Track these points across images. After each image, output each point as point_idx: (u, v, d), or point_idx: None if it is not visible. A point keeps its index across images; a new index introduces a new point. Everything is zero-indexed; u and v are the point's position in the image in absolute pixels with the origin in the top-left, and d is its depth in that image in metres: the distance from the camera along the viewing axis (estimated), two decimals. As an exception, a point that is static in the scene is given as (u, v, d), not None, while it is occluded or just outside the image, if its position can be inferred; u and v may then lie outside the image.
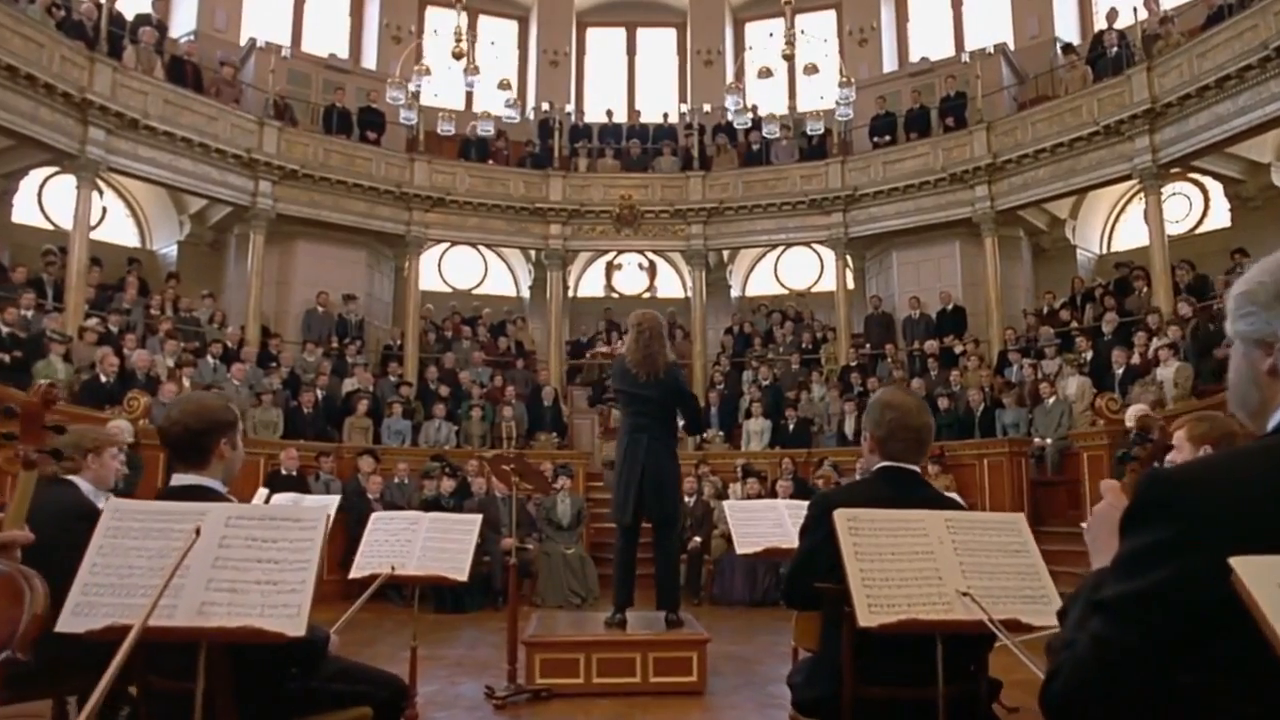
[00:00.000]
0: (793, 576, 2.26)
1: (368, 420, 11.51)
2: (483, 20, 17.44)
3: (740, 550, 3.63)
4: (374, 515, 3.60)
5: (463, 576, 3.31)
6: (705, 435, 12.70)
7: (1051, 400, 10.45)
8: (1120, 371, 10.24)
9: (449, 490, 8.70)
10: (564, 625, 4.99)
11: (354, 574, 3.32)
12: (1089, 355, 11.12)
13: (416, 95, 11.49)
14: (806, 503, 4.06)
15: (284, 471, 9.32)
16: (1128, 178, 12.07)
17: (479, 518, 3.54)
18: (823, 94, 14.12)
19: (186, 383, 10.56)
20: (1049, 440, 10.18)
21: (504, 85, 10.19)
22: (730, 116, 9.41)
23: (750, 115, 10.11)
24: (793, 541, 3.46)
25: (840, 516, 2.00)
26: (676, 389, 4.91)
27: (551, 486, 8.17)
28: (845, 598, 2.03)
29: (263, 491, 4.22)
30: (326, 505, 3.74)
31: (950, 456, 10.10)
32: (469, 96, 14.61)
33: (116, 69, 11.35)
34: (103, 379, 9.04)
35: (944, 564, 1.95)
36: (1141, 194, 14.05)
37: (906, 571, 1.92)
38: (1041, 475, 10.02)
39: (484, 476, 9.23)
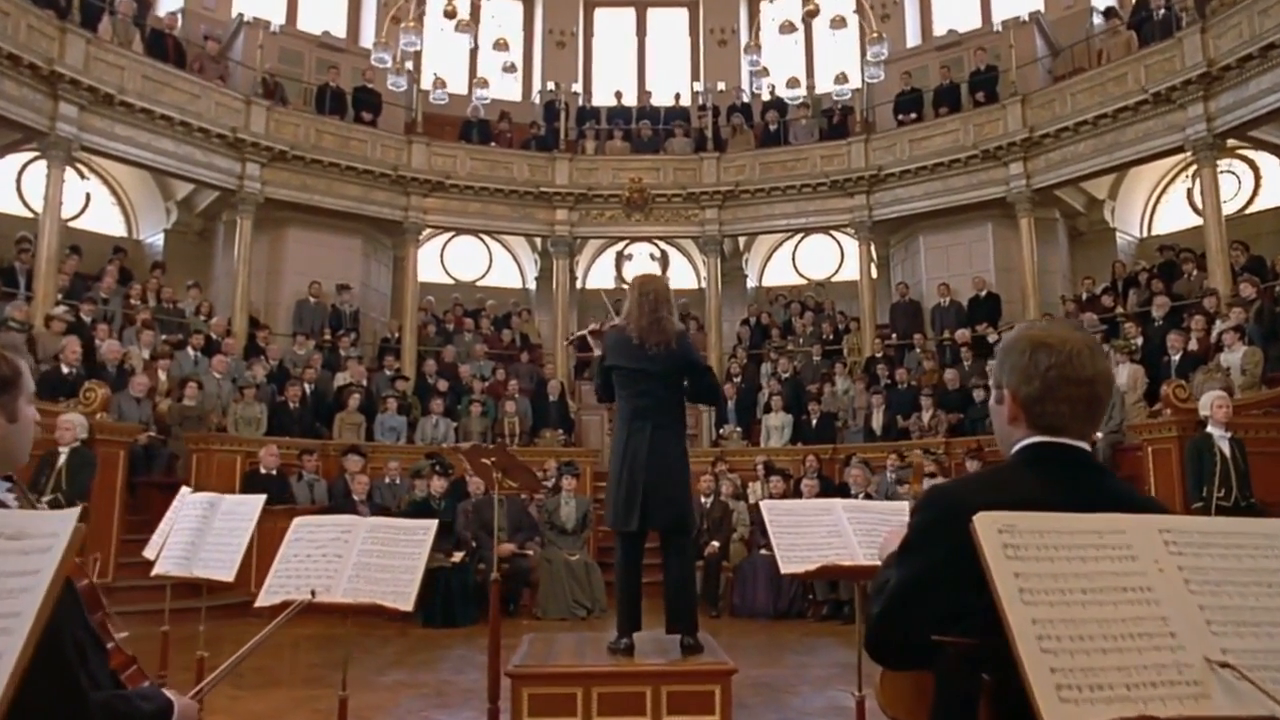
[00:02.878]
0: (887, 619, 1.42)
1: (360, 416, 10.73)
2: (487, -1, 16.66)
3: (786, 568, 2.75)
4: (296, 522, 2.78)
5: (406, 605, 2.48)
6: (723, 431, 11.87)
7: (1101, 390, 9.54)
8: (1177, 358, 9.34)
9: (440, 490, 7.89)
10: (559, 651, 4.16)
11: (261, 601, 2.52)
12: (1139, 342, 10.22)
13: (411, 68, 10.72)
14: (871, 503, 3.18)
15: (263, 470, 8.54)
16: (1179, 149, 11.14)
17: (433, 524, 2.72)
18: (844, 68, 13.28)
19: (162, 375, 9.86)
20: (1099, 434, 9.28)
21: (500, 45, 9.37)
22: (746, 79, 8.55)
23: (768, 80, 9.24)
24: (856, 557, 2.62)
25: (986, 525, 1.17)
26: (689, 360, 4.05)
27: (542, 484, 7.34)
28: (992, 663, 1.21)
29: (184, 490, 3.42)
30: (250, 505, 2.94)
31: (990, 453, 9.22)
32: (471, 63, 13.81)
33: (90, 41, 10.61)
34: (64, 370, 8.29)
35: (1174, 611, 1.11)
36: (1186, 172, 13.23)
37: (1114, 625, 1.09)
38: (1092, 472, 9.10)
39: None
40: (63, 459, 6.48)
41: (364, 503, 8.29)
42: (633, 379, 3.99)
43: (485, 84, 9.59)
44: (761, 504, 2.87)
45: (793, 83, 9.07)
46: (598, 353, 4.22)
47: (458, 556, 7.42)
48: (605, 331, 4.12)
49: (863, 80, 13.89)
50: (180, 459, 8.95)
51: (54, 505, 6.32)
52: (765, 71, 8.77)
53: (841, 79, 9.32)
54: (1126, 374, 9.73)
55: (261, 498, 3.01)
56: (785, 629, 7.21)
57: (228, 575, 2.88)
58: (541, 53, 16.89)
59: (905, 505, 2.78)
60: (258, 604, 2.55)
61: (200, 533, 3.07)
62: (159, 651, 3.39)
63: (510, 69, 9.38)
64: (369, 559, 2.54)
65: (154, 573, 3.15)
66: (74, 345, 8.41)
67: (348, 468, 9.00)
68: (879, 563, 1.97)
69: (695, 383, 4.09)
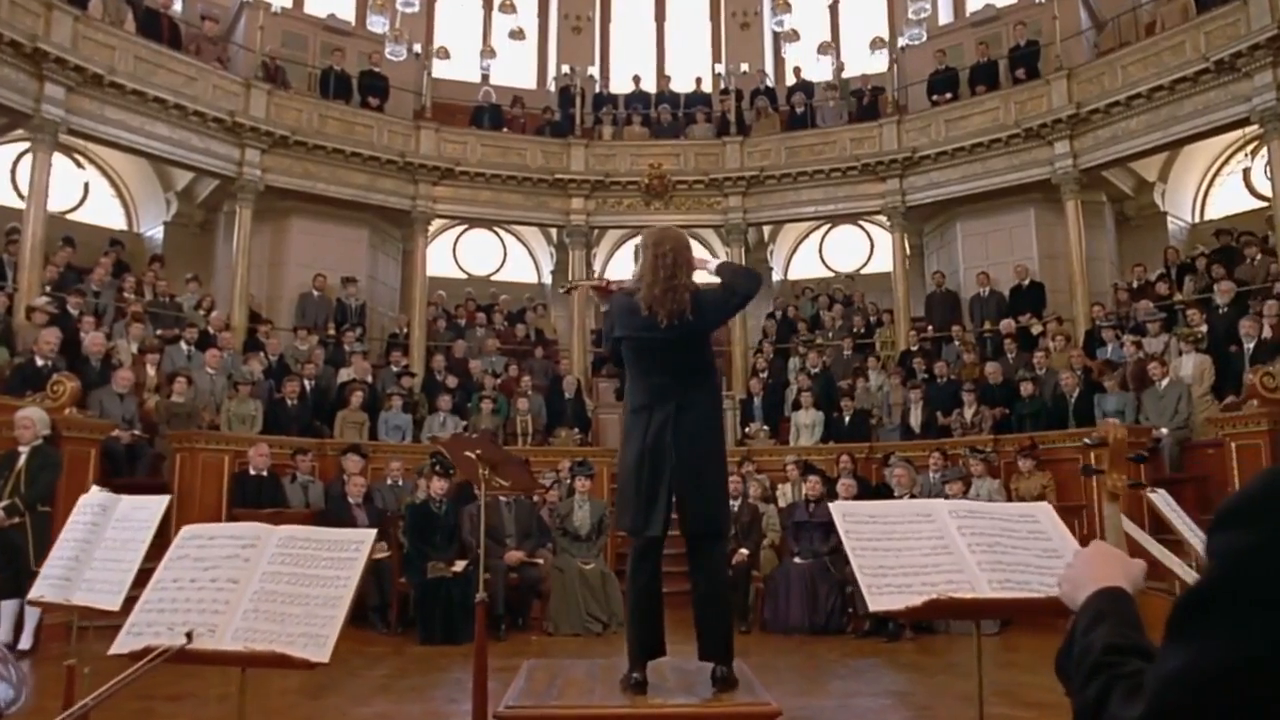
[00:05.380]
0: None
1: (362, 414, 10.07)
2: (499, -17, 16.00)
3: (877, 603, 1.87)
4: (183, 532, 2.07)
5: (321, 655, 1.74)
6: (749, 430, 11.12)
7: (1165, 382, 8.74)
8: (1251, 346, 8.52)
9: (441, 491, 7.19)
10: (562, 685, 3.44)
11: (118, 647, 1.81)
12: (1204, 329, 9.39)
13: (419, 51, 10.07)
14: (986, 505, 2.42)
15: (253, 471, 7.89)
16: (1244, 122, 10.27)
17: (369, 536, 2.01)
18: (876, 44, 12.54)
19: (150, 370, 9.26)
20: (1164, 430, 8.46)
21: (506, 7, 8.69)
22: (771, 51, 7.82)
23: (796, 45, 8.48)
24: (978, 586, 1.86)
25: None
26: (719, 316, 3.40)
27: (539, 483, 6.63)
28: None
29: (94, 489, 2.75)
30: (150, 509, 2.25)
31: (1044, 450, 8.43)
32: (484, 39, 13.09)
33: (78, 19, 10.05)
34: (39, 362, 7.69)
35: None
36: (1244, 150, 12.39)
37: None
38: (1158, 472, 8.28)
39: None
40: (23, 459, 5.86)
41: (360, 506, 7.63)
42: (647, 352, 3.29)
43: (493, 54, 8.91)
44: (834, 507, 2.09)
45: (824, 48, 8.32)
46: (603, 308, 3.56)
47: (460, 566, 6.73)
48: (613, 291, 3.41)
49: (890, 55, 13.15)
50: (167, 460, 8.33)
51: (10, 511, 5.70)
52: (794, 35, 8.03)
53: (878, 43, 8.54)
54: (1192, 364, 8.93)
55: (163, 499, 2.31)
56: (824, 647, 6.45)
57: (113, 603, 2.18)
58: (557, 39, 16.22)
59: (1036, 508, 2.04)
60: (112, 651, 1.85)
61: (88, 546, 2.37)
62: (64, 689, 2.71)
63: (518, 35, 8.70)
64: (276, 585, 1.83)
65: (29, 598, 2.48)
66: (48, 336, 7.81)
67: (346, 468, 8.33)
68: (1044, 594, 1.24)
69: (729, 313, 3.47)
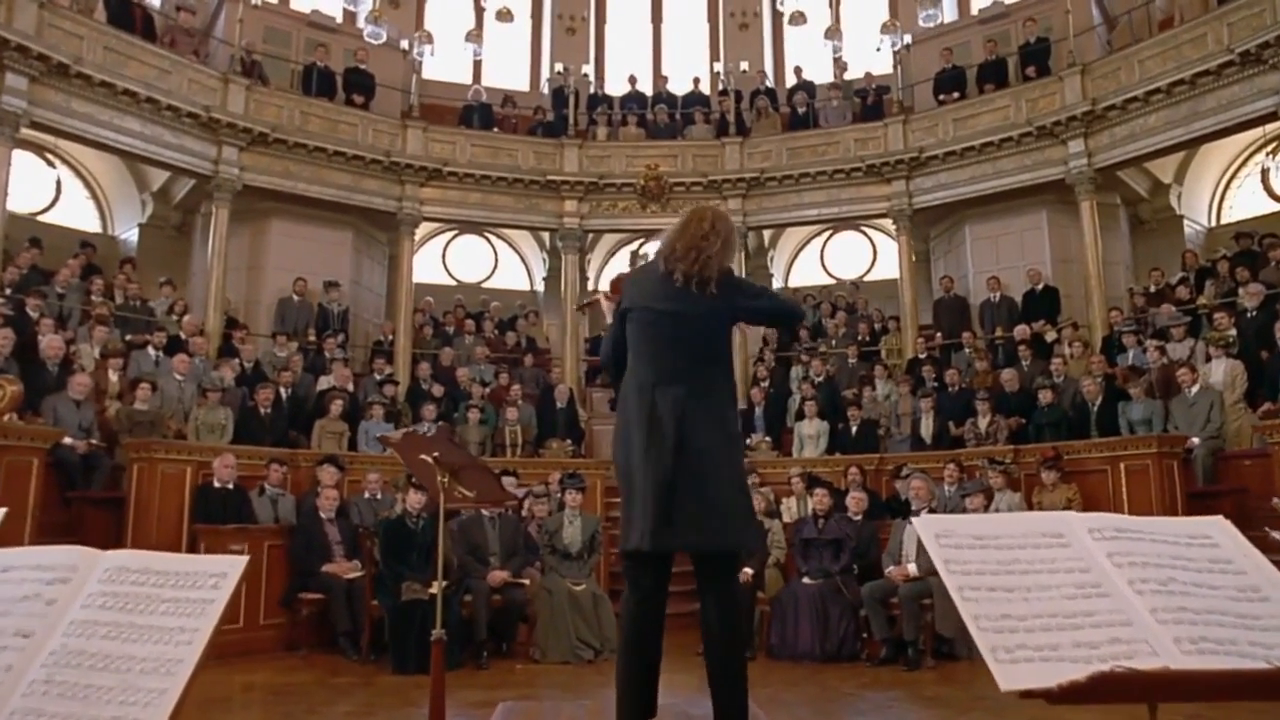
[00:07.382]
0: None
1: (342, 424, 9.48)
2: (492, -17, 15.53)
3: (1009, 681, 1.11)
4: None
5: None
6: (750, 441, 10.53)
7: (1195, 389, 8.19)
8: (1288, 350, 8.00)
9: (418, 505, 6.60)
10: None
11: None
12: (1233, 334, 8.87)
13: (407, 46, 9.56)
14: (1140, 520, 1.79)
15: (217, 484, 7.28)
16: (1271, 116, 9.79)
17: (236, 565, 1.42)
18: (881, 39, 12.08)
19: (113, 375, 8.68)
20: (1196, 439, 7.92)
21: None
22: (779, 9, 7.30)
23: (801, 27, 7.98)
24: (1160, 646, 1.19)
25: None
26: (739, 299, 2.77)
27: (509, 495, 6.03)
28: None
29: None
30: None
31: (1069, 460, 7.88)
32: (477, 23, 12.56)
33: (44, 5, 9.52)
34: (-15, 366, 7.12)
35: None
36: (1264, 150, 11.94)
37: None
38: (1190, 484, 7.73)
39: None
40: (-49, 468, 5.28)
41: (332, 521, 7.05)
42: (657, 325, 2.71)
43: (479, 38, 8.40)
44: (921, 524, 1.37)
45: (830, 33, 7.82)
46: (609, 319, 2.98)
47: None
48: (626, 279, 2.86)
49: (894, 52, 12.68)
50: (127, 471, 7.73)
51: (-68, 525, 5.10)
52: (800, 17, 7.54)
53: (889, 27, 8.06)
54: (1223, 370, 8.40)
55: (-4, 512, 1.76)
56: (837, 677, 5.85)
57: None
58: (551, 40, 15.79)
59: (1211, 525, 1.45)
60: None
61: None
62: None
63: (505, 16, 8.19)
64: (87, 641, 1.22)
65: None
66: (-3, 339, 7.23)
67: (321, 480, 7.73)
68: (1263, 664, 0.73)
69: (758, 314, 2.89)
